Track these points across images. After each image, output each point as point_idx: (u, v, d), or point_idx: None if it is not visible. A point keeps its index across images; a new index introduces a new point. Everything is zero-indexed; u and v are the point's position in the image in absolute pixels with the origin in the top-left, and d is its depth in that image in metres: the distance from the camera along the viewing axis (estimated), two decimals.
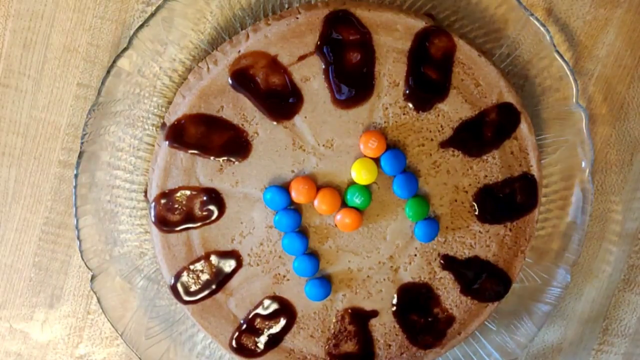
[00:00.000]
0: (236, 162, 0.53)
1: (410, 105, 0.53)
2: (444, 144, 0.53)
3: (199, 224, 0.53)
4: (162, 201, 0.53)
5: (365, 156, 0.53)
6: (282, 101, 0.52)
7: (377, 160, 0.53)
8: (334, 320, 0.55)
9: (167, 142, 0.52)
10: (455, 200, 0.54)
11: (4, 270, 0.58)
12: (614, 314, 0.61)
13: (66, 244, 0.58)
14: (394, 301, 0.55)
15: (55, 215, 0.58)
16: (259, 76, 0.52)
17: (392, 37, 0.52)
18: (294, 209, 0.53)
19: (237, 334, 0.55)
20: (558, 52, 0.54)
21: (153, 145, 0.54)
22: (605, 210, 0.59)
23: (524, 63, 0.55)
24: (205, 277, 0.54)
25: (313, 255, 0.54)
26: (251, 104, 0.52)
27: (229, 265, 0.54)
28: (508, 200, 0.54)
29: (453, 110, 0.53)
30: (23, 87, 0.56)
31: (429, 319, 0.55)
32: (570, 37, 0.57)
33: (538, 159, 0.54)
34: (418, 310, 0.55)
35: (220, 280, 0.54)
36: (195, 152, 0.52)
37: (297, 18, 0.51)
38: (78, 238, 0.54)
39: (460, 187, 0.54)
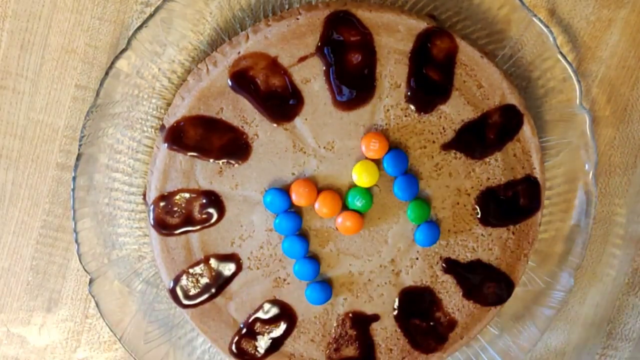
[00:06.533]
0: (236, 165, 0.52)
1: (412, 106, 0.52)
2: (446, 146, 0.53)
3: (198, 227, 0.53)
4: (161, 204, 0.52)
5: (366, 158, 0.52)
6: (282, 103, 0.52)
7: (378, 163, 0.52)
8: (334, 325, 0.55)
9: (166, 145, 0.52)
10: (457, 203, 0.54)
11: (1, 274, 0.58)
12: (618, 318, 0.60)
13: (64, 247, 0.58)
14: (396, 305, 0.55)
15: (53, 218, 0.57)
16: (259, 78, 0.51)
17: (394, 38, 0.52)
18: (295, 211, 0.53)
19: (237, 338, 0.54)
20: (561, 53, 0.53)
21: (152, 148, 0.54)
22: (609, 213, 0.59)
23: (526, 64, 0.55)
24: (204, 280, 0.54)
25: (313, 259, 0.53)
26: (251, 106, 0.52)
27: (228, 268, 0.53)
28: (511, 203, 0.54)
29: (455, 112, 0.53)
30: (20, 88, 0.56)
31: (431, 323, 0.55)
32: (573, 38, 0.57)
33: (541, 161, 0.54)
34: (420, 314, 0.55)
35: (220, 283, 0.54)
36: (195, 154, 0.52)
37: (298, 19, 0.51)
38: (76, 241, 0.54)
39: (463, 189, 0.54)
